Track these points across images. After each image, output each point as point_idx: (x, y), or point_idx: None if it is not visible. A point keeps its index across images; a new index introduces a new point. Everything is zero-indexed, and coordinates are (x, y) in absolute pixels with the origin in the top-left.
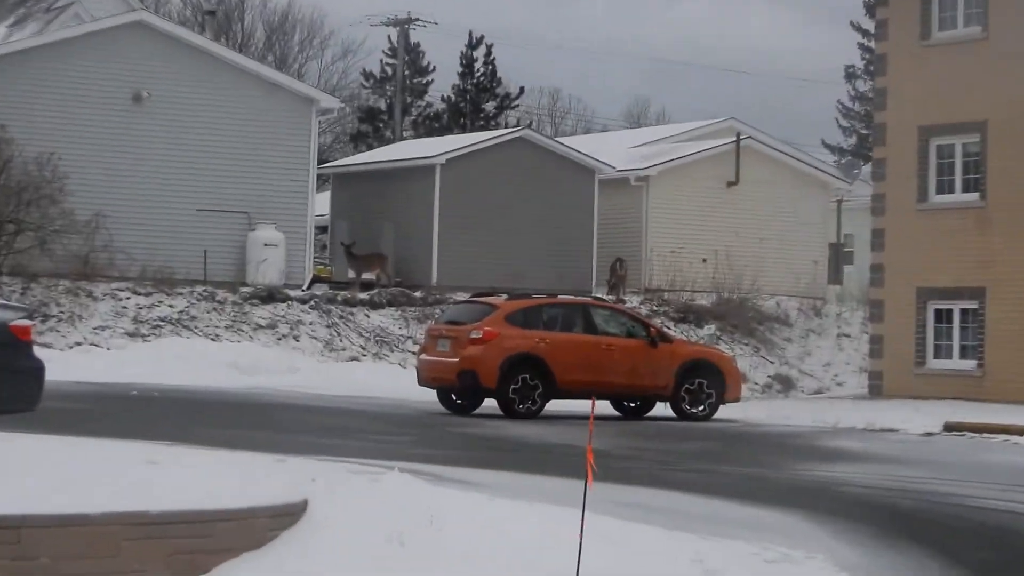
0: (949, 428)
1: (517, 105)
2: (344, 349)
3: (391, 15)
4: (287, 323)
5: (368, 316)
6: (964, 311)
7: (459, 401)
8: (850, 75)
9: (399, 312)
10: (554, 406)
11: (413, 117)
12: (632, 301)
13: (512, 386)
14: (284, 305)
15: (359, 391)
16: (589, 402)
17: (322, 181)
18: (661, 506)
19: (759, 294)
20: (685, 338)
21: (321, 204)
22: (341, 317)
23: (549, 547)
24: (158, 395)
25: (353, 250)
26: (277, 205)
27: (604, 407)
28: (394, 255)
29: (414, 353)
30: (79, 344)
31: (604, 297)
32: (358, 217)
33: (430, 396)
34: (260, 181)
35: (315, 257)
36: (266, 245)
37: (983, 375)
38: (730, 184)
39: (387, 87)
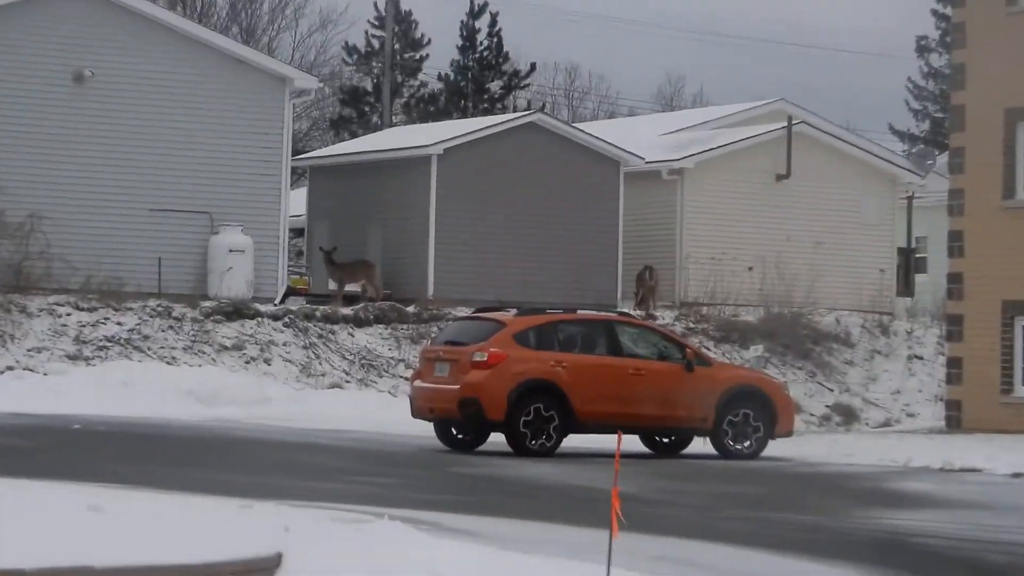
0: None
1: (528, 85)
2: (324, 375)
3: None
4: (256, 344)
5: (352, 335)
6: None
7: (460, 436)
8: (922, 48)
9: (389, 330)
10: (572, 442)
11: (404, 99)
12: (664, 317)
13: (523, 418)
14: (253, 322)
15: (342, 424)
16: (614, 437)
17: (297, 175)
18: (699, 560)
19: (815, 308)
20: (727, 361)
21: (296, 203)
22: (320, 336)
23: None
24: (104, 429)
25: (334, 257)
26: (244, 204)
27: (632, 443)
28: (382, 263)
29: (406, 379)
30: (10, 369)
31: (631, 313)
32: (340, 218)
33: (426, 430)
34: (224, 176)
35: (289, 266)
36: (231, 251)
37: None
38: (780, 178)
39: (373, 64)
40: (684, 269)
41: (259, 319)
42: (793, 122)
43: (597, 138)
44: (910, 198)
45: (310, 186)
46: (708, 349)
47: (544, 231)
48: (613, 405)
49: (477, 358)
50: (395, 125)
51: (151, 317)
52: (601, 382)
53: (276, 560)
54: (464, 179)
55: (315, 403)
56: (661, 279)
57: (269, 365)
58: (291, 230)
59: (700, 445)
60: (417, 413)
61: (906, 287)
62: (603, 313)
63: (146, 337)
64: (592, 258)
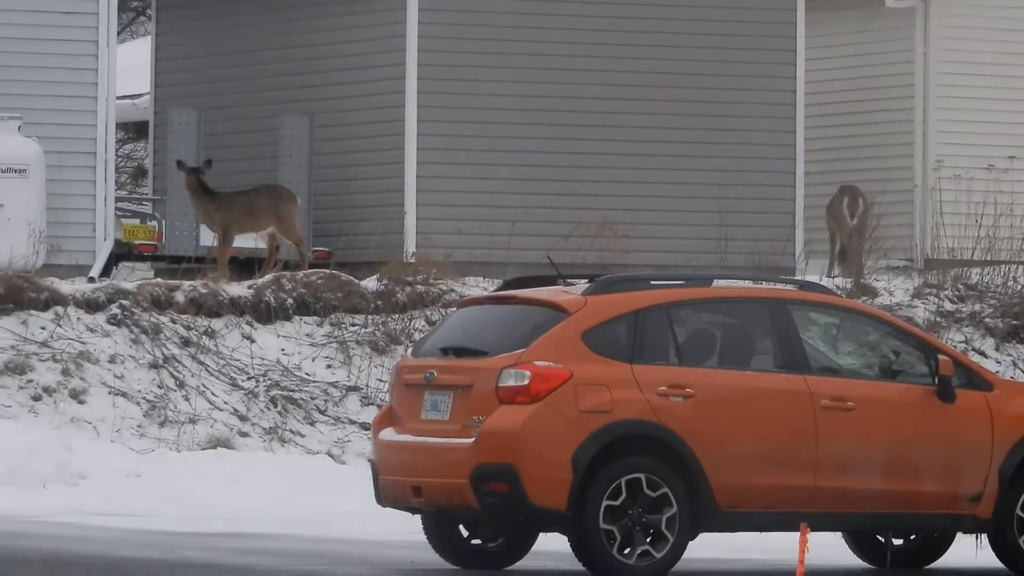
0: None
1: None
2: (194, 421)
3: None
4: (55, 361)
5: (250, 339)
6: None
7: (476, 541)
8: None
9: (326, 327)
10: (704, 546)
11: None
12: (891, 290)
13: (605, 503)
14: (46, 317)
15: (229, 525)
16: (790, 537)
17: (132, 15)
18: None
19: None
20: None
21: (132, 69)
22: (185, 344)
23: None
24: None
25: (209, 183)
26: (23, 78)
27: (828, 547)
28: (311, 196)
29: (365, 427)
30: None
31: (824, 283)
32: (221, 101)
33: (407, 526)
34: None
35: (119, 202)
36: (1, 173)
37: None
38: None
39: None
40: (930, 191)
41: (59, 310)
42: None
43: None
44: None
45: (158, 36)
46: (983, 356)
47: (633, 118)
48: (788, 474)
49: (510, 381)
50: None
51: None
52: (763, 428)
53: None
54: (473, 13)
55: (175, 482)
56: (882, 213)
57: (81, 404)
58: (122, 128)
59: (967, 550)
60: (388, 495)
61: None
62: (766, 285)
63: None
64: (738, 170)
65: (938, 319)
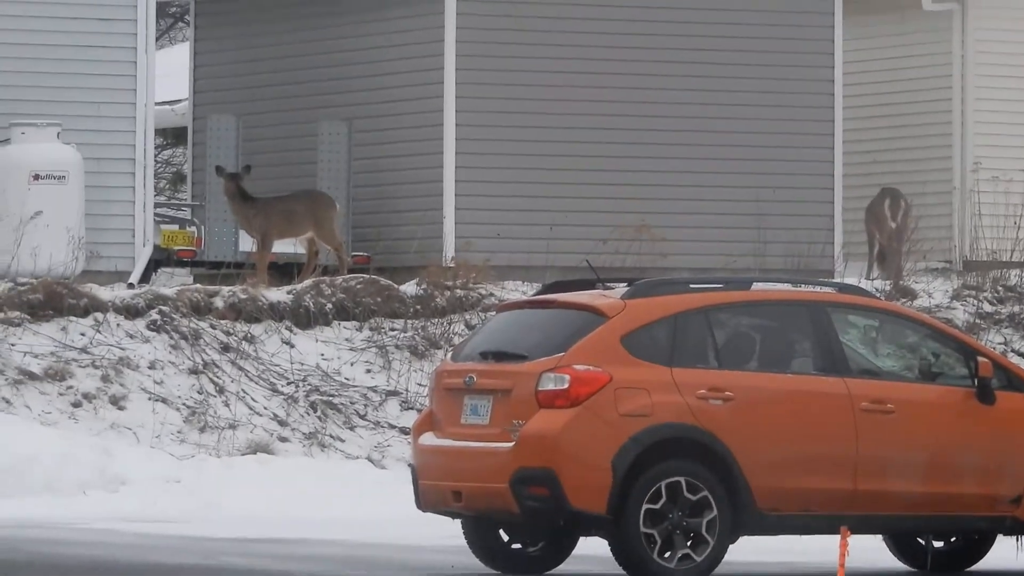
0: None
1: None
2: (234, 426)
3: None
4: (95, 368)
5: (291, 344)
6: None
7: (517, 545)
8: None
9: (365, 332)
10: (745, 549)
11: None
12: (931, 292)
13: (645, 506)
14: (85, 323)
15: (271, 530)
16: (830, 540)
17: (170, 21)
18: None
19: None
20: None
21: (171, 75)
22: (226, 349)
23: None
24: None
25: (248, 188)
26: (62, 84)
27: (869, 549)
28: (350, 201)
29: (405, 432)
30: None
31: (864, 285)
32: (259, 107)
33: (448, 531)
34: (23, 35)
35: (159, 207)
36: (38, 179)
37: None
38: None
39: None
40: (970, 194)
41: (98, 316)
42: None
43: None
44: None
45: (196, 42)
46: (1023, 357)
47: (671, 122)
48: (828, 477)
49: (550, 385)
50: None
51: None
52: (803, 431)
53: None
54: (512, 19)
55: (215, 488)
56: (922, 215)
57: (121, 410)
58: (161, 134)
59: (1008, 552)
60: (428, 500)
61: None
62: (806, 289)
63: None
64: (776, 173)
65: (977, 321)
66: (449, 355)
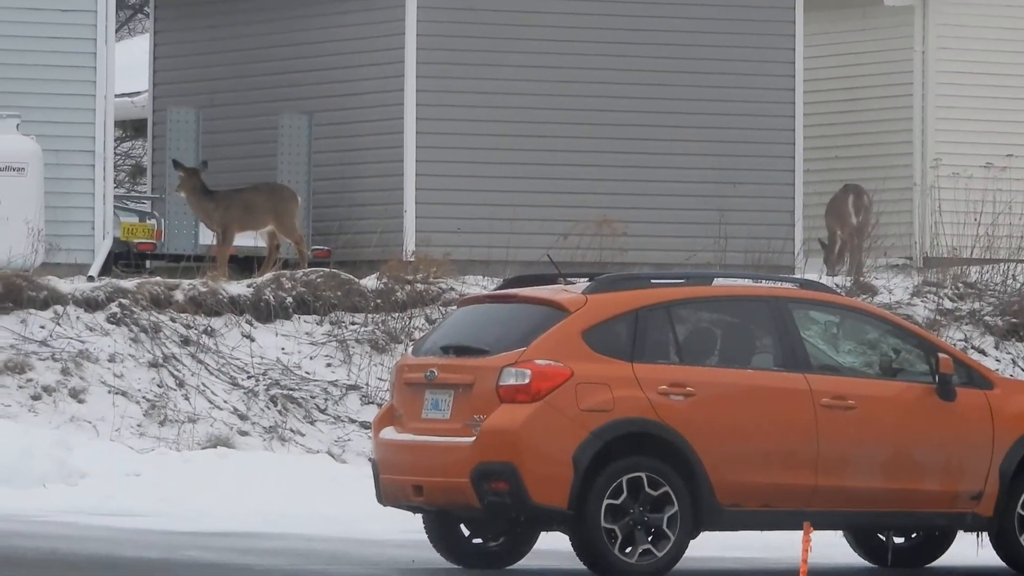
0: None
1: None
2: (194, 420)
3: None
4: (54, 360)
5: (251, 338)
6: None
7: (478, 540)
8: None
9: (326, 326)
10: (705, 545)
11: None
12: (891, 288)
13: (607, 501)
14: (45, 316)
15: (231, 523)
16: (791, 536)
17: (129, 12)
18: None
19: None
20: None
21: (131, 67)
22: (186, 342)
23: None
24: None
25: (207, 182)
26: (21, 75)
27: (830, 546)
28: (310, 195)
29: (365, 426)
30: None
31: (824, 280)
32: (220, 99)
33: (409, 525)
34: None
35: (118, 199)
36: None
37: None
38: None
39: None
40: (929, 190)
41: (58, 309)
42: None
43: None
44: None
45: (156, 33)
46: (983, 354)
47: (631, 116)
48: (789, 473)
49: (511, 380)
50: None
51: None
52: (764, 426)
53: None
54: (472, 12)
55: (175, 481)
56: (882, 211)
57: (80, 403)
58: (121, 126)
59: (968, 548)
60: (389, 495)
61: None
62: (766, 284)
63: None
64: (737, 168)
65: (938, 317)
66: (410, 349)
